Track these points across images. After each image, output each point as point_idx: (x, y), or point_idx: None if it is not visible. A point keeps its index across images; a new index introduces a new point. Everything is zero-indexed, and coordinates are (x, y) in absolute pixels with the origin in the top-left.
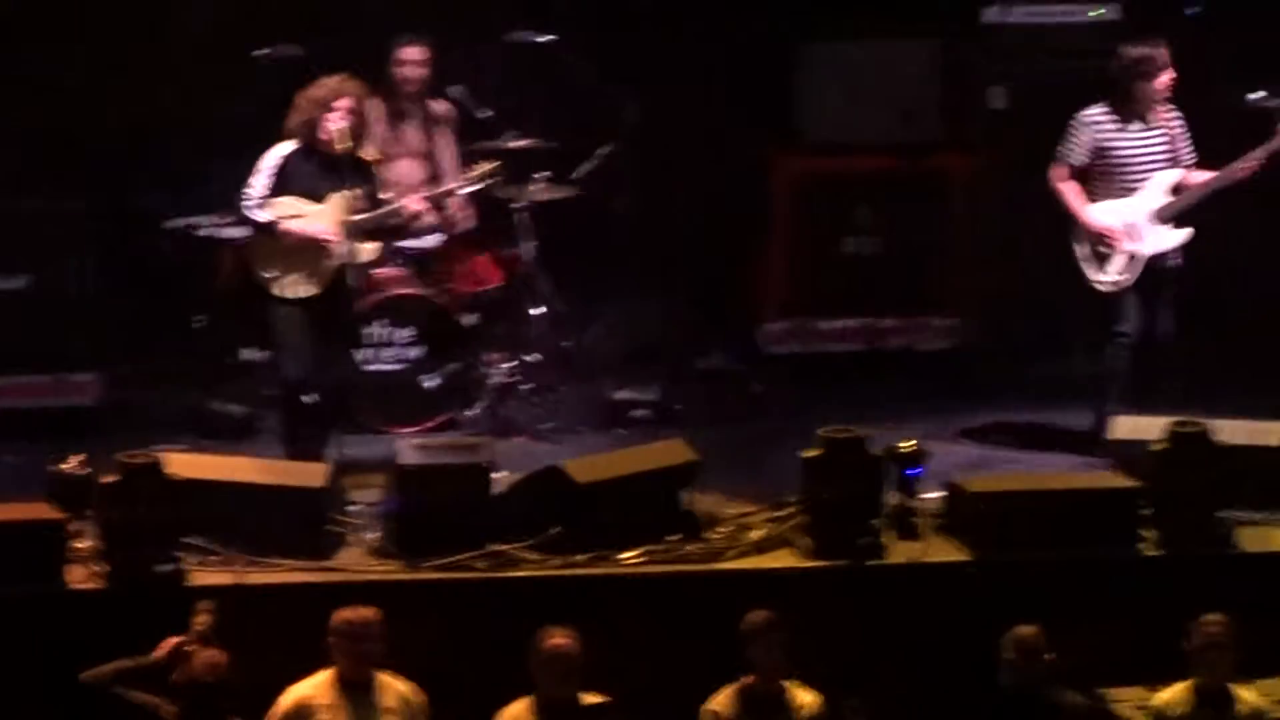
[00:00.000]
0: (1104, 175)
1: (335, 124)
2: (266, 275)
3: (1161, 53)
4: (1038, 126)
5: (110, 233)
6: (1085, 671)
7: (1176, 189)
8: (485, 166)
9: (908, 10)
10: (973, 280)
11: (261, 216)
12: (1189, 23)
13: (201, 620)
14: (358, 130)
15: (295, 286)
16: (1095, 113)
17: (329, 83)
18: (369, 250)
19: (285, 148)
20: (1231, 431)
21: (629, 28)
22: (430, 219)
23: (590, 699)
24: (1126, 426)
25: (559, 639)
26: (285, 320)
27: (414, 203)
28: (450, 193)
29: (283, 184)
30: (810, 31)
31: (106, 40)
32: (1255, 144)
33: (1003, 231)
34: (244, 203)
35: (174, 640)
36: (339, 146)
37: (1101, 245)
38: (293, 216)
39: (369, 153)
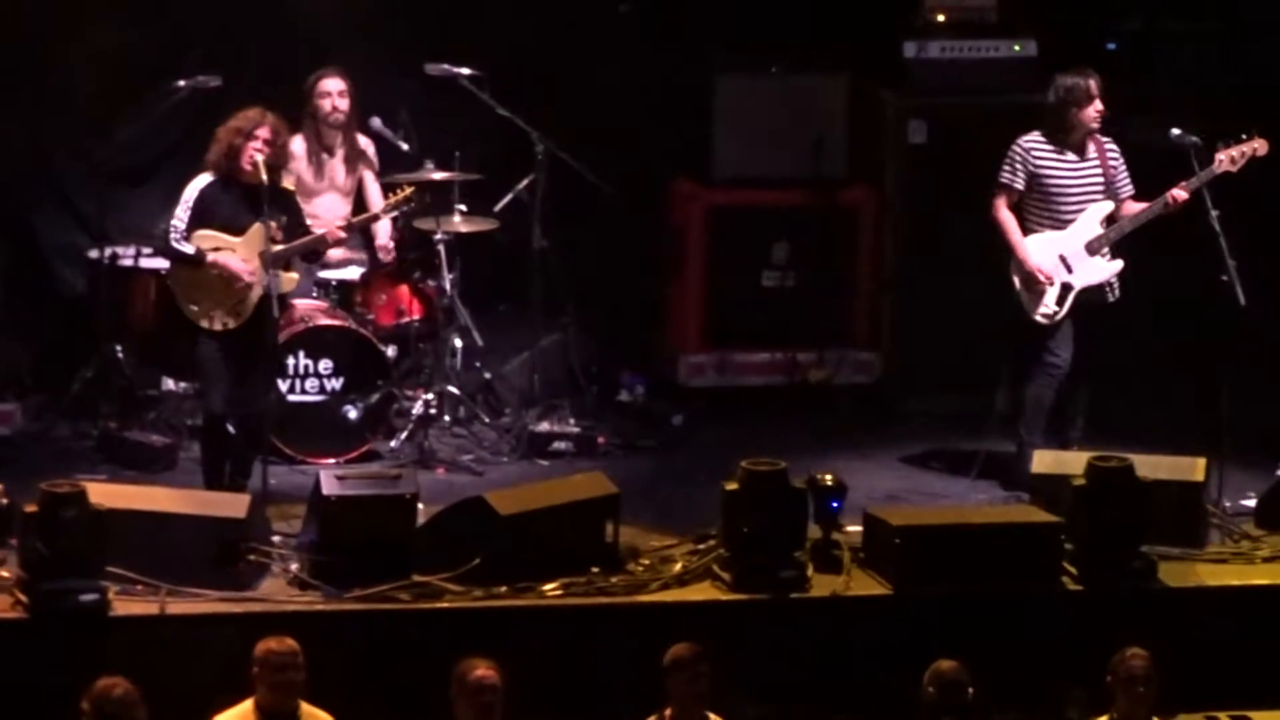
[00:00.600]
0: (1039, 204)
1: (254, 154)
2: (190, 308)
3: (1091, 82)
4: (956, 161)
5: (26, 262)
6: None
7: (1110, 219)
8: (402, 193)
9: (820, 44)
10: (889, 314)
11: (188, 249)
12: (1107, 58)
13: None
14: (277, 160)
15: (218, 319)
16: (1034, 139)
17: (247, 114)
18: (289, 280)
19: (204, 180)
20: (1152, 466)
21: (544, 60)
22: (348, 251)
23: None
24: (1048, 460)
25: (481, 670)
26: (208, 353)
27: (334, 231)
28: (370, 219)
29: (204, 216)
30: (723, 65)
31: (14, 68)
32: (1181, 176)
33: (920, 263)
34: (171, 235)
35: None
36: (259, 177)
37: (1035, 283)
38: (215, 249)
39: (288, 182)
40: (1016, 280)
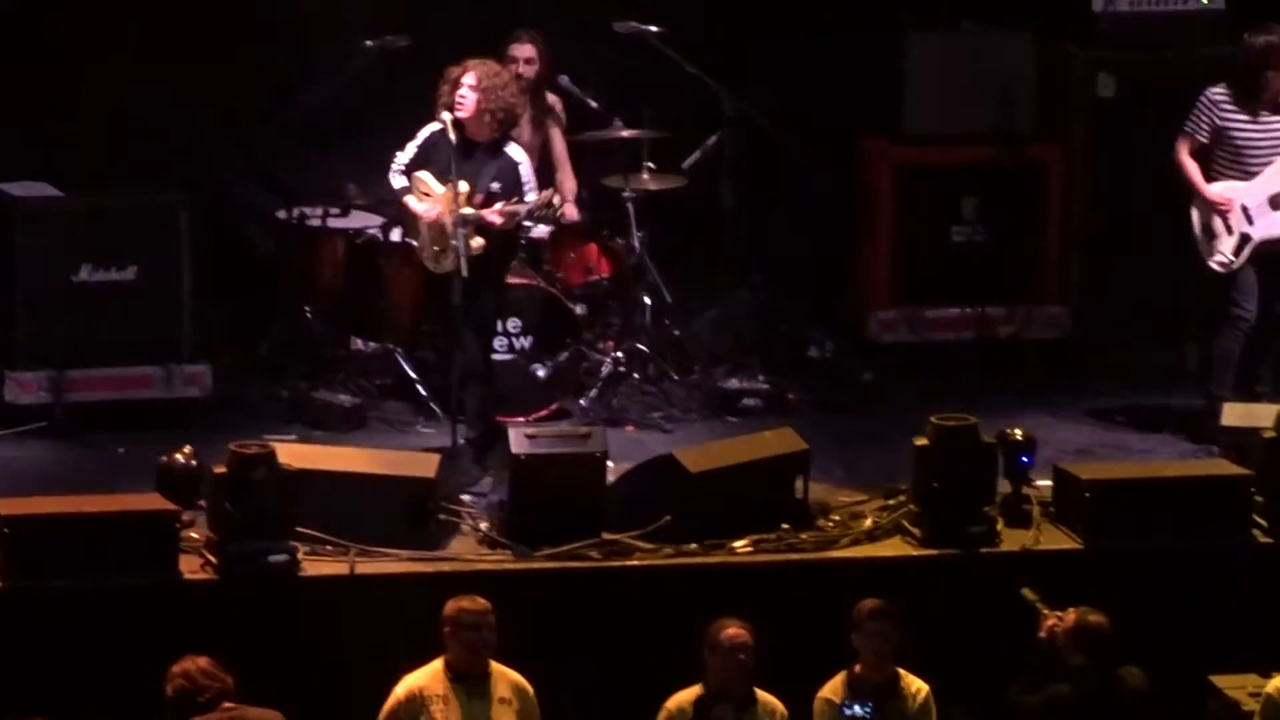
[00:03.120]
0: (1223, 158)
1: (459, 100)
2: (411, 243)
3: None
4: (1145, 115)
5: (214, 223)
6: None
7: None
8: (544, 196)
9: (1007, 1)
10: (1078, 269)
11: (397, 184)
12: None
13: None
14: (493, 109)
15: (430, 260)
16: (1219, 93)
17: (463, 64)
18: (476, 245)
19: (436, 125)
20: None
21: (731, 18)
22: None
23: (766, 697)
24: (1238, 413)
25: (736, 628)
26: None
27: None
28: (512, 212)
29: (427, 159)
30: (910, 21)
31: (200, 32)
32: None
33: (1109, 219)
34: (391, 170)
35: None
36: (485, 134)
37: (1215, 221)
38: (424, 193)
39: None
40: (1196, 226)
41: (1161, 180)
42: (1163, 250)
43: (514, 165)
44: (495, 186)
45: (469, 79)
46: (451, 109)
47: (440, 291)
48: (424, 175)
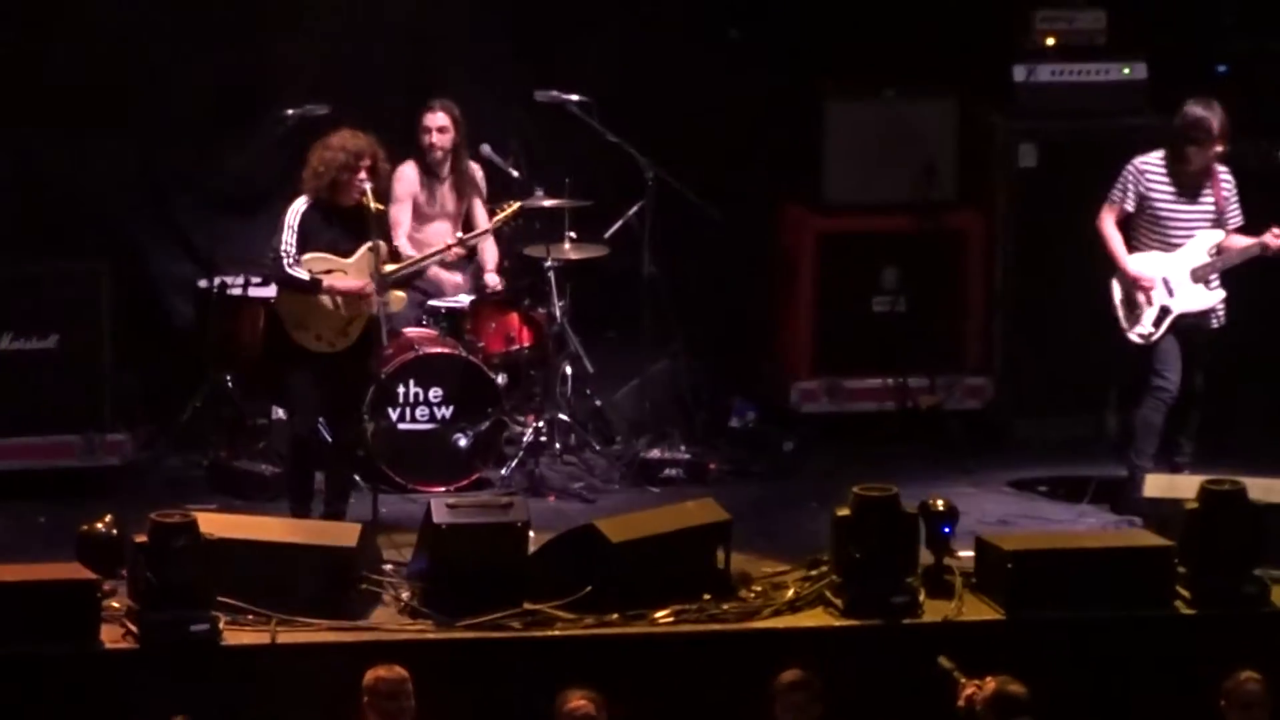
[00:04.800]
0: (1146, 228)
1: (361, 184)
2: (294, 331)
3: (1216, 121)
4: (1066, 184)
5: (136, 291)
6: None
7: (1218, 250)
8: (509, 209)
9: (929, 69)
10: (1000, 339)
11: (302, 274)
12: (1218, 81)
13: None
14: (378, 186)
15: (323, 341)
16: (1150, 162)
17: (352, 141)
18: (398, 299)
19: (303, 203)
20: (1265, 490)
21: (653, 86)
22: (458, 277)
23: None
24: (1160, 484)
25: (579, 700)
26: (302, 375)
27: (438, 250)
28: (479, 236)
29: (309, 239)
30: (832, 90)
31: (121, 98)
32: None
33: (1030, 288)
34: (284, 261)
35: None
36: (365, 202)
37: (1135, 294)
38: (325, 272)
39: (381, 206)
40: (1116, 296)
41: (1082, 249)
42: (1083, 320)
43: (383, 218)
44: (384, 241)
45: (367, 161)
46: (345, 186)
47: (334, 370)
48: (318, 255)
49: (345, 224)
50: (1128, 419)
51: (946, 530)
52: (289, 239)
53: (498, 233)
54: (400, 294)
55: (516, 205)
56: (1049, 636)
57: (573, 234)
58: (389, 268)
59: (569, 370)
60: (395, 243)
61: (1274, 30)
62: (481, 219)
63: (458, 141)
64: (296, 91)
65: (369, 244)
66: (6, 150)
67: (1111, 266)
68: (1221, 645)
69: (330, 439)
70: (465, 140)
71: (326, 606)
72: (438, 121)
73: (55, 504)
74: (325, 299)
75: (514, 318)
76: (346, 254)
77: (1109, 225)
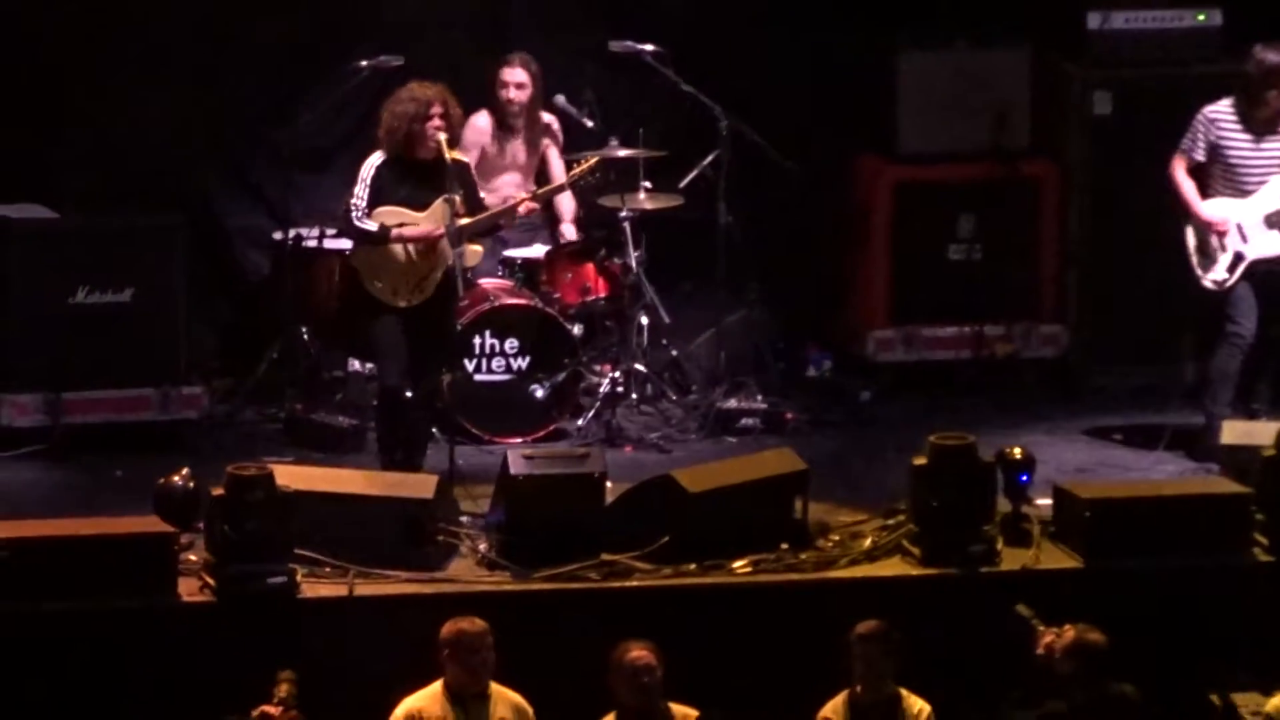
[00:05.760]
0: (1219, 176)
1: (434, 133)
2: (374, 284)
3: None
4: (1140, 131)
5: (211, 246)
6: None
7: None
8: (587, 163)
9: (1002, 17)
10: (1075, 287)
11: (371, 226)
12: None
13: (284, 690)
14: (451, 133)
15: (401, 295)
16: (1219, 110)
17: (420, 91)
18: (475, 254)
19: (379, 158)
20: None
21: (727, 36)
22: (534, 223)
23: (681, 711)
24: (1238, 431)
25: (637, 651)
26: (387, 328)
27: (517, 200)
28: (555, 190)
29: (383, 193)
30: (906, 40)
31: (195, 55)
32: None
33: (1105, 236)
34: (352, 214)
35: (263, 708)
36: (439, 153)
37: (1209, 239)
38: (398, 225)
39: (460, 155)
40: (1190, 243)
41: (1155, 198)
42: (1158, 267)
43: (464, 169)
44: (462, 193)
45: (438, 109)
46: (418, 138)
47: (412, 323)
48: (390, 209)
49: (422, 178)
50: (1203, 366)
51: (1024, 479)
52: (359, 193)
53: (574, 184)
54: (476, 247)
55: (594, 159)
56: (1127, 584)
57: (648, 184)
58: (463, 221)
59: (645, 321)
60: (472, 194)
61: None
62: (558, 171)
63: (534, 96)
64: (371, 44)
65: (443, 198)
66: (83, 106)
67: (1185, 214)
68: None
69: (408, 391)
70: (541, 93)
71: (404, 558)
72: (516, 76)
73: (132, 458)
74: (399, 252)
75: (590, 269)
76: (421, 208)
77: (1180, 173)
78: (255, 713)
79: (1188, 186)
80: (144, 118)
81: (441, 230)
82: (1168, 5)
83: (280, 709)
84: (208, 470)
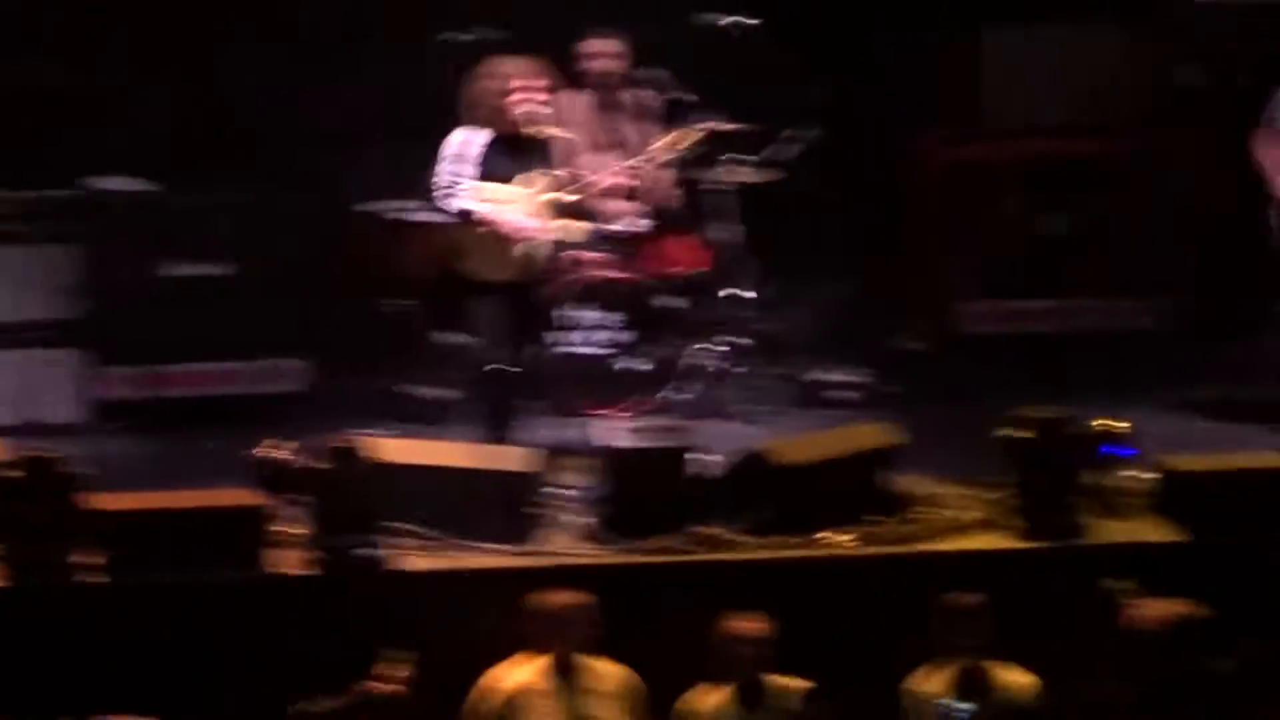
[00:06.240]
0: None
1: (521, 106)
2: (464, 261)
3: None
4: (1231, 105)
5: (309, 218)
6: None
7: None
8: (686, 136)
9: None
10: (1172, 260)
11: (457, 205)
12: None
13: (403, 671)
14: (543, 109)
15: (497, 271)
16: None
17: (500, 65)
18: (578, 229)
19: (467, 133)
20: None
21: (818, 10)
22: (629, 199)
23: (788, 683)
24: None
25: (748, 623)
26: (488, 304)
27: (619, 176)
28: (656, 163)
29: (477, 170)
30: (992, 13)
31: (295, 24)
32: None
33: (1199, 211)
34: (437, 192)
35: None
36: (528, 128)
37: None
38: (489, 202)
39: (558, 130)
40: (1272, 217)
41: (1253, 171)
42: (1254, 240)
43: (561, 141)
44: (562, 169)
45: (525, 81)
46: (505, 111)
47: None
48: (481, 185)
49: (518, 153)
50: None
51: (1124, 452)
52: (448, 169)
53: (673, 158)
54: (574, 223)
55: (693, 133)
56: (1230, 559)
57: (747, 158)
58: (564, 198)
59: (745, 294)
60: (569, 169)
61: None
62: (656, 146)
63: (626, 69)
64: (463, 16)
65: (535, 173)
66: (180, 77)
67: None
68: None
69: (508, 365)
70: (630, 70)
71: (503, 531)
72: (606, 47)
73: (230, 431)
74: (492, 231)
75: (690, 242)
76: (521, 183)
77: (1260, 148)
78: (359, 688)
79: (1269, 160)
80: (243, 86)
81: (542, 209)
82: None
83: (392, 688)
84: (306, 442)
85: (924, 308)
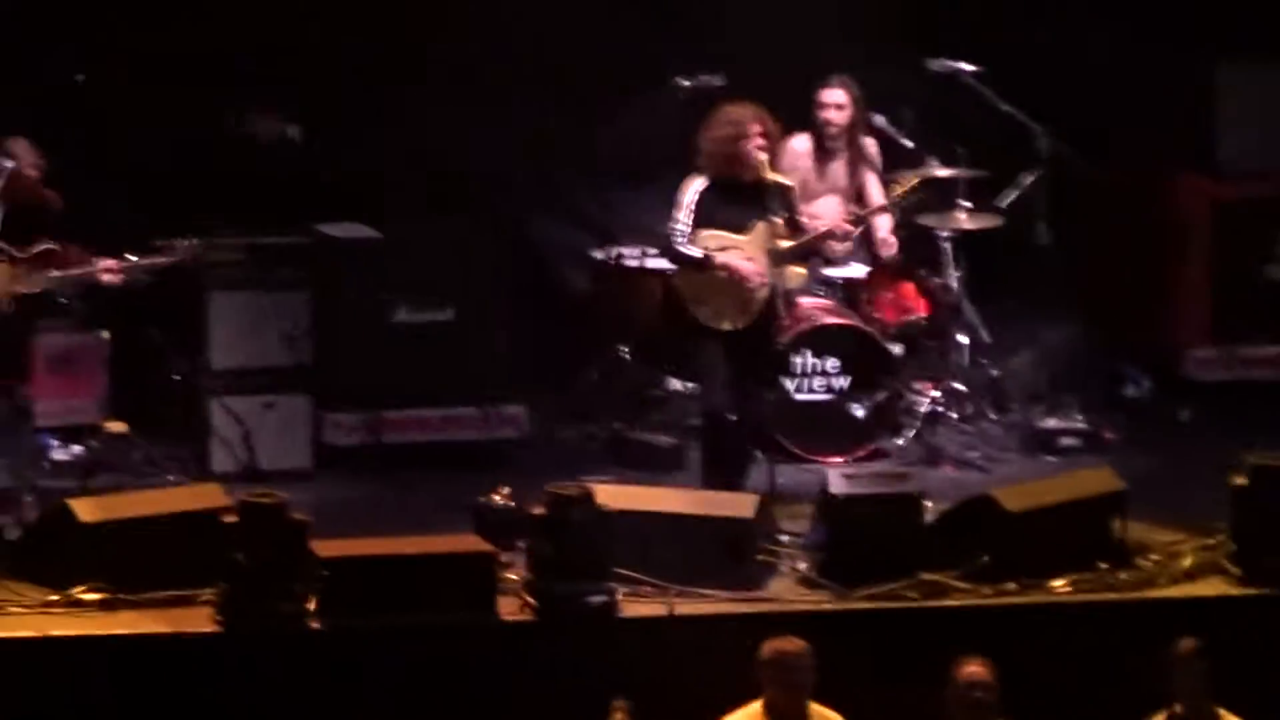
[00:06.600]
0: None
1: (754, 152)
2: (697, 308)
3: None
4: None
5: (528, 263)
6: None
7: None
8: (908, 184)
9: None
10: None
11: (694, 252)
12: None
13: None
14: (771, 153)
15: (723, 318)
16: None
17: (738, 112)
18: (796, 276)
19: (700, 181)
20: None
21: (1045, 54)
22: (850, 245)
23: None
24: None
25: (976, 667)
26: (710, 350)
27: (841, 225)
28: (876, 211)
29: (704, 216)
30: (1225, 52)
31: (517, 69)
32: None
33: None
34: (674, 238)
35: None
36: (759, 174)
37: None
38: (721, 249)
39: (781, 177)
40: None
41: None
42: None
43: (787, 191)
44: (784, 214)
45: (758, 128)
46: (738, 158)
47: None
48: (712, 232)
49: (742, 200)
50: None
51: None
52: (681, 217)
53: (894, 205)
54: (797, 269)
55: (914, 180)
56: None
57: (967, 203)
58: (785, 244)
59: (964, 339)
60: (790, 215)
61: None
62: (876, 192)
63: (854, 118)
64: (690, 62)
65: (764, 220)
66: (400, 122)
67: None
68: None
69: (731, 412)
70: (860, 115)
71: (724, 577)
72: (835, 98)
73: (453, 476)
74: (721, 275)
75: (910, 288)
76: (743, 230)
77: None
78: None
79: None
80: (462, 132)
81: (763, 255)
82: None
83: None
84: (528, 489)
85: (1149, 352)
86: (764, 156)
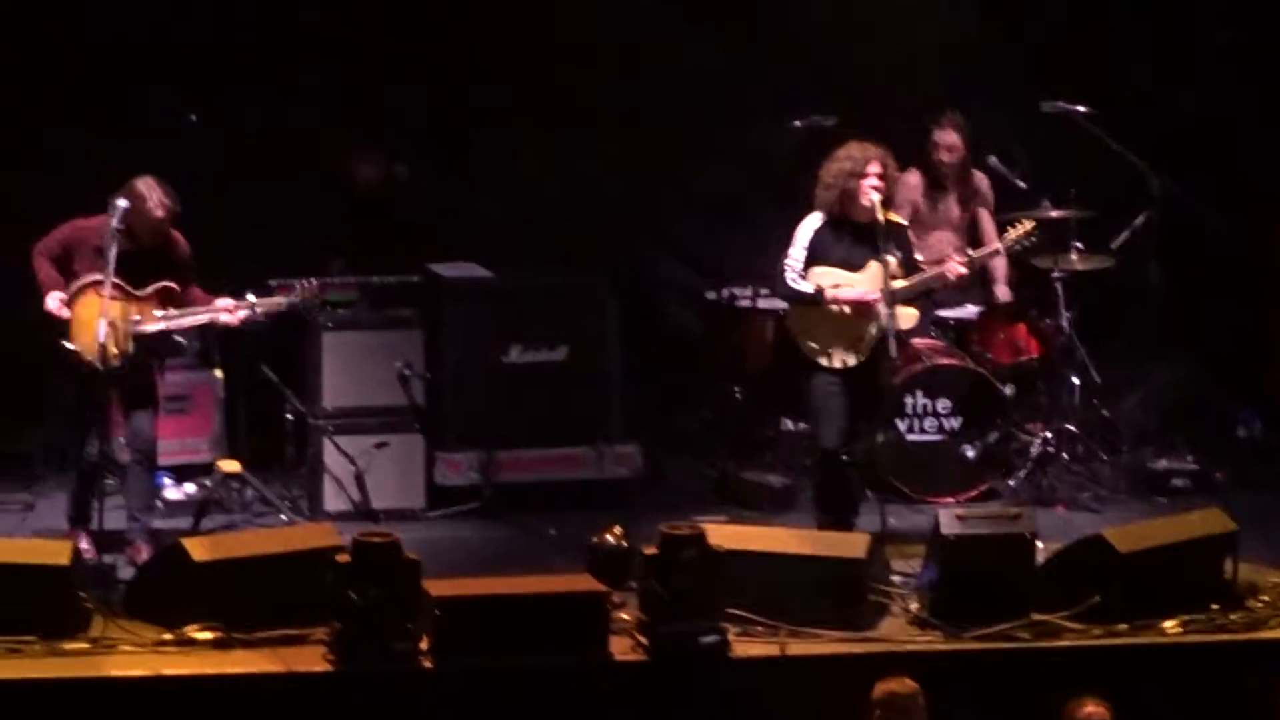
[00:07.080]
0: None
1: (870, 191)
2: (809, 345)
3: None
4: None
5: (639, 303)
6: None
7: None
8: (1023, 228)
9: None
10: None
11: (806, 288)
12: None
13: None
14: (888, 194)
15: (837, 356)
16: None
17: (856, 151)
18: (909, 317)
19: (816, 219)
20: None
21: (1157, 95)
22: (965, 284)
23: None
24: None
25: (1092, 707)
26: (824, 389)
27: (954, 268)
28: (990, 255)
29: (819, 255)
30: None
31: (633, 118)
32: None
33: None
34: (787, 275)
35: None
36: (874, 214)
37: None
38: (834, 285)
39: (900, 217)
40: None
41: None
42: None
43: (901, 230)
44: (899, 254)
45: (875, 168)
46: (854, 197)
47: (848, 384)
48: (826, 269)
49: (858, 239)
50: None
51: None
52: (795, 254)
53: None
54: (911, 310)
55: (1029, 224)
56: None
57: (1080, 244)
58: (898, 284)
59: (1076, 380)
60: (903, 254)
61: None
62: (989, 231)
63: (966, 156)
64: (804, 103)
65: (879, 260)
66: (510, 162)
67: None
68: None
69: (844, 452)
70: (972, 153)
71: (836, 618)
72: (947, 138)
73: (566, 515)
74: (835, 313)
75: (1022, 329)
76: (857, 269)
77: None
78: None
79: None
80: (572, 172)
81: (877, 293)
82: None
83: None
84: (640, 528)
85: (1260, 393)
86: (878, 197)
